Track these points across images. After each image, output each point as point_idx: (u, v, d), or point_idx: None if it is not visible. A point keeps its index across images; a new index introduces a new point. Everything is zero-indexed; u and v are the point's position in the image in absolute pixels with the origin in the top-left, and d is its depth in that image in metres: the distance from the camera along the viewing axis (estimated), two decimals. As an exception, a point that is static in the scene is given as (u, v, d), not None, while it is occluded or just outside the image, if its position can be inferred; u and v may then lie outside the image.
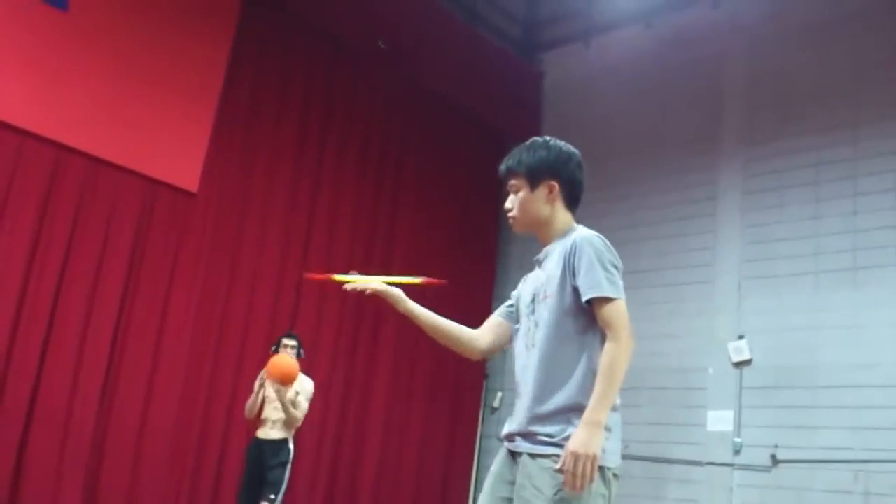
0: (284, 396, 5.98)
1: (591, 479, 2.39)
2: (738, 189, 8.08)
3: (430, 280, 3.00)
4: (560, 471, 2.43)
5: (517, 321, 2.85)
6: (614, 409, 2.53)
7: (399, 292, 2.89)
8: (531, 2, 10.53)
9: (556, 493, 2.43)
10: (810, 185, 7.58)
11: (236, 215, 7.65)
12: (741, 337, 7.61)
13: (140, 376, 6.89)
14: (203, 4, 7.51)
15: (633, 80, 9.15)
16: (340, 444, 8.16)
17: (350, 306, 8.28)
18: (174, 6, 7.30)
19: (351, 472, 8.21)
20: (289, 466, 6.07)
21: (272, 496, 5.95)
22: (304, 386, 6.26)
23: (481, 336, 2.93)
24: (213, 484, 7.21)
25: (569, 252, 2.63)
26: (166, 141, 7.18)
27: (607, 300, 2.53)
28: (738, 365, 7.57)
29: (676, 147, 8.65)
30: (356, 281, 2.92)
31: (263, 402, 6.17)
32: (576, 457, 2.38)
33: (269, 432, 6.11)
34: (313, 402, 7.94)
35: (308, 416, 7.86)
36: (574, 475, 2.38)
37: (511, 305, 2.92)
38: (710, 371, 7.75)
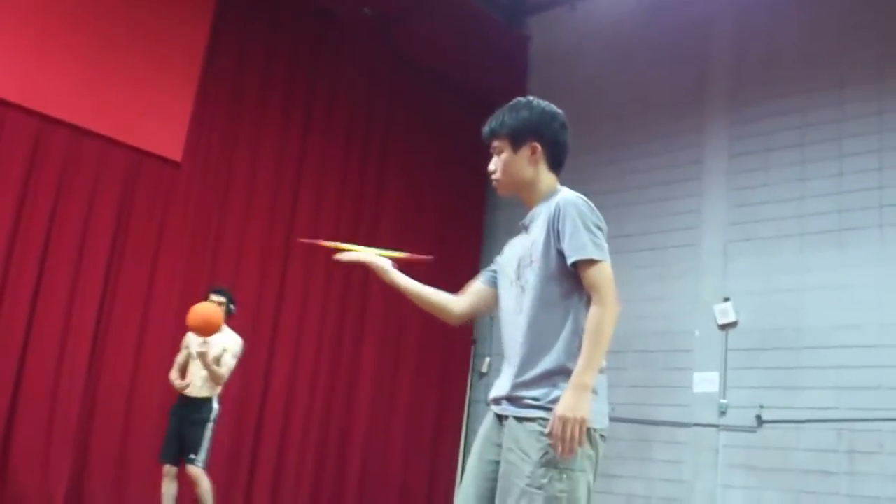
0: (206, 352, 5.78)
1: (581, 443, 2.41)
2: (723, 152, 8.09)
3: (415, 256, 3.03)
4: (548, 434, 2.45)
5: (500, 285, 2.85)
6: (601, 371, 2.54)
7: (385, 263, 2.92)
8: (516, -35, 10.43)
9: (542, 456, 2.44)
10: (795, 147, 7.60)
11: (221, 185, 7.62)
12: (727, 299, 7.66)
13: (127, 347, 6.89)
14: (185, -29, 7.42)
15: (619, 44, 9.10)
16: (329, 410, 8.21)
17: (338, 275, 8.28)
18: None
19: (340, 438, 8.26)
20: (209, 425, 5.94)
21: (192, 455, 5.84)
22: (230, 343, 6.09)
23: (459, 301, 2.94)
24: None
25: (552, 215, 2.61)
26: (150, 110, 7.11)
27: (592, 262, 2.53)
28: (724, 327, 7.62)
29: (662, 111, 8.63)
30: (346, 249, 2.97)
31: (187, 361, 6.06)
32: (564, 420, 2.39)
33: (193, 389, 5.98)
34: (304, 373, 8.02)
35: (300, 385, 7.95)
36: (563, 439, 2.39)
37: (494, 271, 2.91)
38: (696, 333, 7.80)
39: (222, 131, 7.65)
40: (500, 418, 2.65)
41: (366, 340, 8.55)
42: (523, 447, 2.49)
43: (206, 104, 7.51)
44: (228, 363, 6.04)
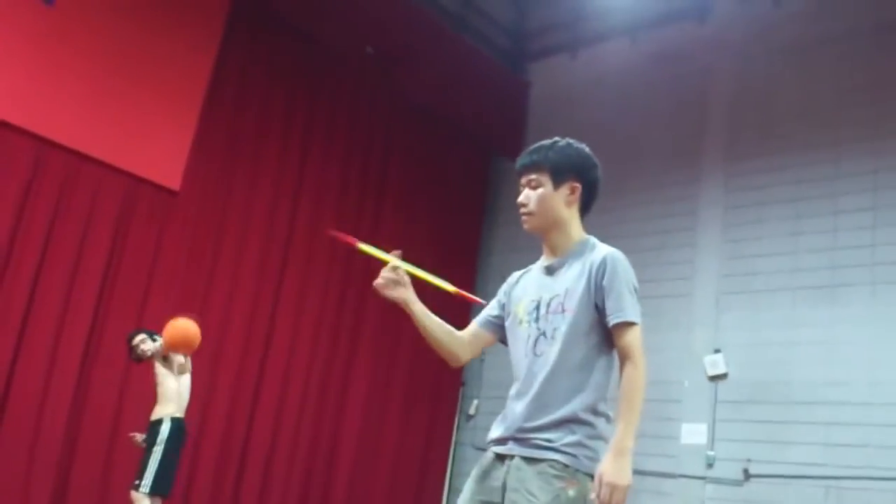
0: (182, 361, 5.69)
1: None
2: (718, 204, 8.14)
3: (465, 294, 2.92)
4: (565, 488, 2.41)
5: (495, 327, 2.83)
6: (606, 417, 2.53)
7: (409, 292, 2.78)
8: (520, 12, 10.56)
9: (552, 499, 2.40)
10: (790, 202, 7.65)
11: (217, 216, 7.62)
12: (717, 351, 7.65)
13: (114, 376, 6.82)
14: (192, 5, 7.49)
15: (618, 93, 9.19)
16: (316, 448, 8.13)
17: (329, 312, 8.26)
18: (163, 5, 7.27)
19: (325, 478, 8.18)
20: (157, 448, 5.65)
21: (136, 482, 5.60)
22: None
23: (465, 347, 2.85)
24: (186, 482, 7.13)
25: (596, 268, 2.60)
26: (149, 138, 7.15)
27: (630, 325, 2.53)
28: (714, 378, 7.61)
29: (659, 160, 8.70)
30: (383, 259, 2.79)
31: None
32: (613, 487, 2.37)
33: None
34: (291, 409, 7.94)
35: (286, 422, 7.86)
36: None
37: (495, 315, 2.85)
38: (686, 384, 7.78)
39: (221, 162, 7.68)
40: (502, 458, 2.59)
41: (355, 378, 8.50)
42: (530, 488, 2.43)
43: (206, 134, 7.54)
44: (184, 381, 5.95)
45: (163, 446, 5.68)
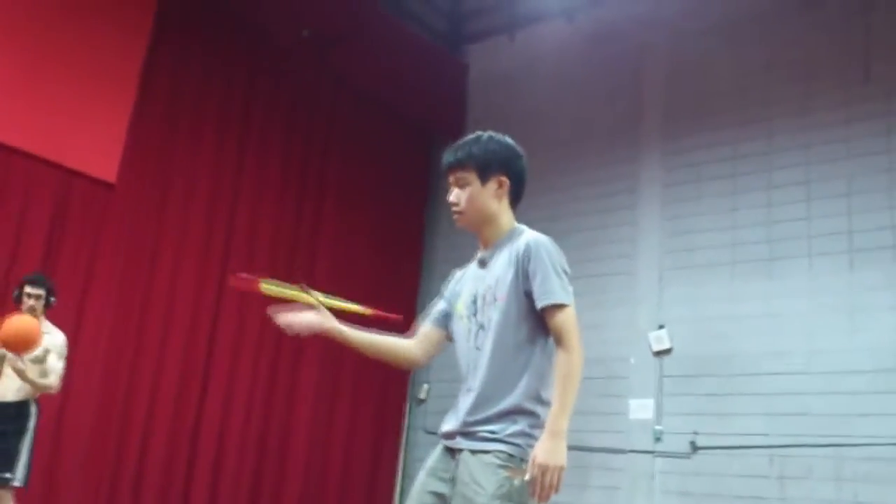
0: (24, 370, 4.92)
1: (558, 490, 2.40)
2: (657, 181, 8.24)
3: (382, 313, 2.85)
4: (510, 478, 2.43)
5: (449, 322, 2.82)
6: (549, 404, 2.54)
7: (334, 323, 2.74)
8: (456, -6, 10.54)
9: (498, 489, 2.43)
10: (727, 177, 7.77)
11: (156, 207, 7.47)
12: (661, 326, 7.77)
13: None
14: (121, -9, 7.31)
15: (557, 74, 9.24)
16: (266, 435, 8.07)
17: (274, 298, 8.17)
18: (91, -8, 7.10)
19: (278, 467, 8.12)
20: (29, 435, 5.08)
21: (7, 474, 4.94)
22: (53, 342, 5.23)
23: (413, 350, 2.85)
24: (134, 482, 7.03)
25: (521, 255, 2.60)
26: (83, 130, 6.96)
27: (560, 307, 2.54)
28: (659, 354, 7.72)
29: (597, 140, 8.77)
30: (292, 296, 2.76)
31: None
32: (544, 469, 2.39)
33: (6, 392, 5.09)
34: (240, 399, 7.85)
35: (235, 411, 7.79)
36: (542, 486, 2.38)
37: (442, 311, 2.87)
38: (632, 360, 7.89)
39: (158, 152, 7.52)
40: (451, 452, 2.62)
41: (303, 366, 8.45)
42: (478, 479, 2.46)
43: (140, 125, 7.37)
44: (56, 368, 5.19)
45: (33, 433, 5.13)
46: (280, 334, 8.48)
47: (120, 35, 7.25)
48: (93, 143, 7.05)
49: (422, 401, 9.36)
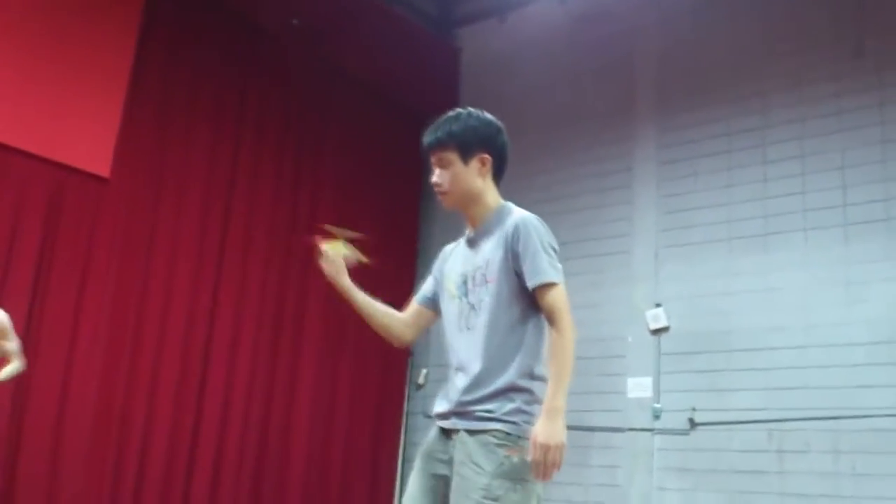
0: None
1: (559, 468, 2.42)
2: (652, 160, 8.24)
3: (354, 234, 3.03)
4: (509, 456, 2.45)
5: (439, 302, 2.84)
6: (543, 380, 2.56)
7: (346, 280, 2.89)
8: (445, -23, 10.49)
9: (497, 468, 2.44)
10: (722, 154, 7.78)
11: (151, 201, 7.45)
12: (658, 305, 7.79)
13: (54, 374, 6.63)
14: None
15: (549, 55, 9.22)
16: (268, 425, 8.09)
17: (272, 290, 8.19)
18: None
19: (280, 454, 8.14)
20: None
21: None
22: None
23: (405, 328, 2.92)
24: (135, 480, 7.03)
25: (510, 235, 2.61)
26: (75, 124, 6.91)
27: (550, 286, 2.55)
28: (656, 332, 7.75)
29: (592, 120, 8.76)
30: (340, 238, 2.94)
31: None
32: (545, 448, 2.41)
33: None
34: (240, 388, 7.86)
35: (236, 401, 7.80)
36: (545, 465, 2.40)
37: (431, 291, 2.89)
38: (629, 339, 7.91)
39: (151, 145, 7.49)
40: (447, 433, 2.63)
41: (303, 353, 8.46)
42: (477, 460, 2.47)
43: (133, 118, 7.33)
44: (10, 348, 4.78)
45: None
46: (279, 324, 8.49)
47: (111, 29, 7.19)
48: (85, 137, 7.01)
49: (420, 385, 9.39)
